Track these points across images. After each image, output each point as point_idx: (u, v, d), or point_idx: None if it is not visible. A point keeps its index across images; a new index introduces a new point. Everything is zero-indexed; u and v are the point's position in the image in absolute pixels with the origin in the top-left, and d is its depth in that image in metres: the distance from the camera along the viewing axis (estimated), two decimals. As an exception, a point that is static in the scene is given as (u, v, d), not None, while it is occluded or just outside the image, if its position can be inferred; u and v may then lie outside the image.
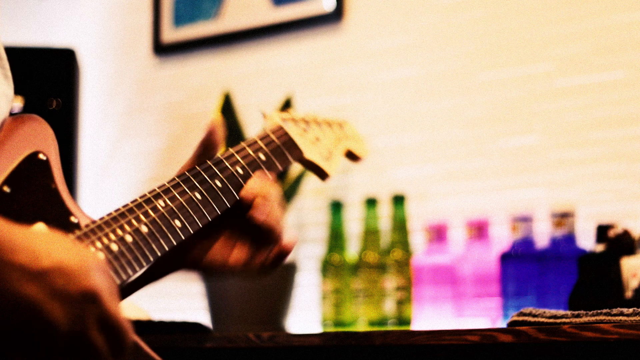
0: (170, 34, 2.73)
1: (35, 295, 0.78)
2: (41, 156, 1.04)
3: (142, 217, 1.03)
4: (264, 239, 1.14)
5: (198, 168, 1.13)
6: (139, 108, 2.79)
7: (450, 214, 2.18)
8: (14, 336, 0.78)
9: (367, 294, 2.13)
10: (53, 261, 0.80)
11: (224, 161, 1.16)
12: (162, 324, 1.82)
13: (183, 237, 1.06)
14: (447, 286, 2.04)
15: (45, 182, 1.03)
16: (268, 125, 1.29)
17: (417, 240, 2.19)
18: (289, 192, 2.26)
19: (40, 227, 0.96)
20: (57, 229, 0.96)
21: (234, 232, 1.16)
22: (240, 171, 1.17)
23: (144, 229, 1.02)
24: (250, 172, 1.18)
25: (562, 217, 1.91)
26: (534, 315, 1.37)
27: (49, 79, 2.36)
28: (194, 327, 1.83)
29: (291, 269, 2.26)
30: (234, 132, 2.28)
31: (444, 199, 2.24)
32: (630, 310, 1.30)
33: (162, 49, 2.74)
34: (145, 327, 1.78)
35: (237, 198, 1.14)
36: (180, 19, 2.71)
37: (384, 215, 2.20)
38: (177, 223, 1.06)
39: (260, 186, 1.14)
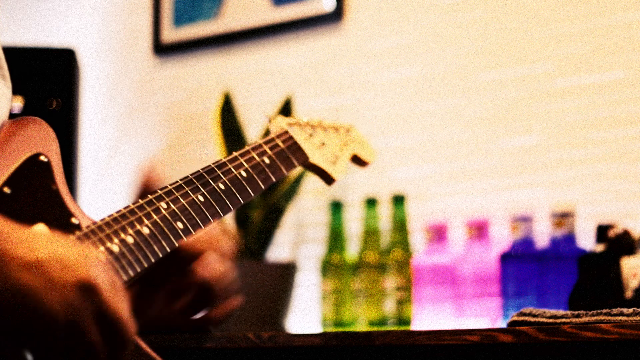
0: (170, 34, 2.72)
1: (31, 284, 0.78)
2: (42, 158, 1.04)
3: (144, 218, 1.03)
4: (202, 295, 1.08)
5: (201, 171, 1.13)
6: (139, 108, 2.79)
7: (450, 214, 2.18)
8: (12, 326, 0.79)
9: (367, 294, 2.13)
10: (50, 252, 0.80)
11: (228, 164, 1.16)
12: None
13: (185, 239, 1.06)
14: (447, 286, 2.04)
15: (46, 184, 1.03)
16: (273, 130, 1.29)
17: (417, 240, 2.19)
18: (289, 192, 2.26)
19: (40, 228, 0.96)
20: (58, 230, 0.96)
21: (176, 282, 1.08)
22: (244, 174, 1.17)
23: (146, 230, 1.02)
24: (255, 176, 1.18)
25: (562, 217, 1.91)
26: (534, 315, 1.36)
27: (49, 79, 2.36)
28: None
29: (291, 269, 2.26)
30: (234, 132, 2.28)
31: (444, 199, 2.24)
32: (630, 310, 1.30)
33: (162, 49, 2.74)
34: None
35: (242, 202, 1.14)
36: (180, 19, 2.71)
37: (384, 215, 2.20)
38: (179, 225, 1.06)
39: (207, 239, 1.07)
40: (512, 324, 1.38)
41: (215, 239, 1.06)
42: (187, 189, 1.09)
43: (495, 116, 2.21)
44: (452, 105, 2.27)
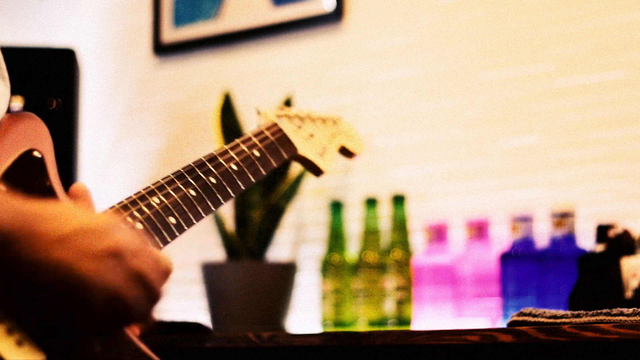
0: (170, 34, 2.72)
1: (63, 258, 0.81)
2: (36, 154, 1.04)
3: (136, 214, 1.02)
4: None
5: (192, 165, 1.13)
6: (139, 108, 2.79)
7: (450, 214, 2.18)
8: (51, 301, 0.81)
9: (367, 294, 2.13)
10: (76, 224, 0.83)
11: (218, 157, 1.16)
12: (162, 324, 1.82)
13: (177, 234, 1.06)
14: (447, 286, 2.04)
15: (40, 180, 1.03)
16: (262, 122, 1.29)
17: (417, 240, 2.19)
18: (289, 192, 2.26)
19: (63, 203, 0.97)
20: None
21: None
22: (235, 167, 1.17)
23: (138, 226, 1.02)
24: (245, 169, 1.18)
25: (562, 217, 1.91)
26: (534, 315, 1.37)
27: (49, 79, 2.36)
28: (194, 327, 1.83)
29: (291, 269, 2.26)
30: (234, 132, 2.28)
31: (444, 199, 2.24)
32: (630, 310, 1.30)
33: (162, 49, 2.74)
34: (145, 327, 1.78)
35: (232, 195, 1.14)
36: (180, 19, 2.71)
37: (384, 215, 2.20)
38: (172, 220, 1.06)
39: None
40: (512, 324, 1.38)
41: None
42: (178, 183, 1.09)
43: (495, 116, 2.21)
44: (452, 105, 2.27)
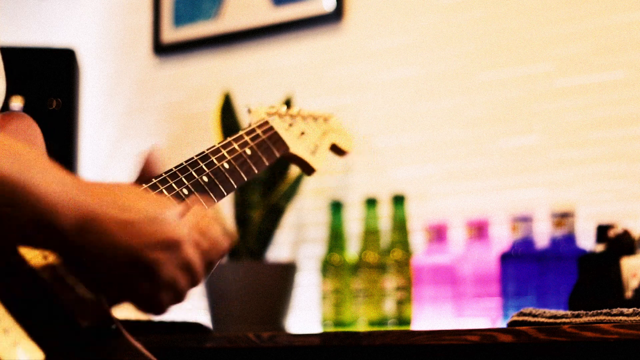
0: (170, 34, 2.73)
1: (129, 244, 0.90)
2: None
3: None
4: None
5: (185, 163, 1.13)
6: (139, 108, 2.79)
7: (450, 214, 2.18)
8: (120, 280, 0.92)
9: (367, 294, 2.13)
10: (140, 211, 0.92)
11: (210, 156, 1.16)
12: (162, 324, 1.82)
13: None
14: (447, 286, 2.04)
15: None
16: (253, 120, 1.29)
17: (417, 240, 2.19)
18: (289, 192, 2.26)
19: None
20: None
21: None
22: (227, 166, 1.17)
23: None
24: (237, 167, 1.18)
25: (562, 217, 1.91)
26: (534, 315, 1.37)
27: (49, 79, 2.36)
28: (194, 327, 1.83)
29: (291, 269, 2.26)
30: (234, 132, 2.25)
31: (444, 199, 2.24)
32: (630, 310, 1.30)
33: (162, 49, 2.74)
34: (145, 327, 1.78)
35: (225, 194, 1.15)
36: (180, 19, 2.71)
37: (384, 215, 2.20)
38: None
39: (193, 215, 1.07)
40: (512, 324, 1.38)
41: (198, 219, 1.04)
42: (170, 182, 1.09)
43: (495, 116, 2.21)
44: (452, 105, 2.27)
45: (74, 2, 2.96)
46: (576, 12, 2.13)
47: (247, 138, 1.23)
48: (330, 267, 2.20)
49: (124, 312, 1.89)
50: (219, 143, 1.19)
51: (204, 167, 1.14)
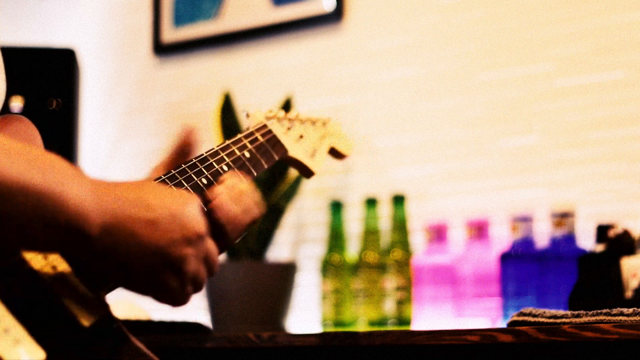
0: (170, 34, 2.73)
1: (157, 243, 0.93)
2: None
3: None
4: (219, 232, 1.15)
5: (184, 165, 1.13)
6: (139, 108, 2.79)
7: (450, 214, 2.18)
8: (148, 278, 0.94)
9: (367, 294, 2.13)
10: (164, 209, 0.94)
11: (209, 159, 1.16)
12: (162, 324, 1.82)
13: None
14: (447, 286, 2.04)
15: None
16: (252, 124, 1.30)
17: (417, 240, 2.19)
18: (289, 192, 2.26)
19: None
20: None
21: None
22: (226, 168, 1.17)
23: None
24: (236, 170, 1.19)
25: (562, 217, 1.91)
26: (534, 315, 1.37)
27: (49, 79, 2.36)
28: (194, 327, 1.83)
29: (291, 269, 2.26)
30: (234, 132, 2.27)
31: (444, 199, 2.24)
32: (630, 310, 1.30)
33: (162, 49, 2.74)
34: (145, 327, 1.78)
35: None
36: (180, 19, 2.71)
37: (384, 215, 2.20)
38: None
39: (229, 184, 1.15)
40: (512, 324, 1.38)
41: (234, 188, 1.14)
42: (169, 184, 1.09)
43: (495, 116, 2.21)
44: (452, 105, 2.27)
45: (74, 2, 2.96)
46: (576, 12, 2.13)
47: (245, 141, 1.24)
48: (330, 267, 2.20)
49: (124, 312, 1.89)
50: (217, 146, 1.20)
51: (202, 169, 1.14)
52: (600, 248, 1.72)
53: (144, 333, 1.48)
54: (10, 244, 0.88)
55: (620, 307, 1.32)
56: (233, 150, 1.21)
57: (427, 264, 2.07)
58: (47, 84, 2.35)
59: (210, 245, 0.99)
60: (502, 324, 1.91)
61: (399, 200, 2.16)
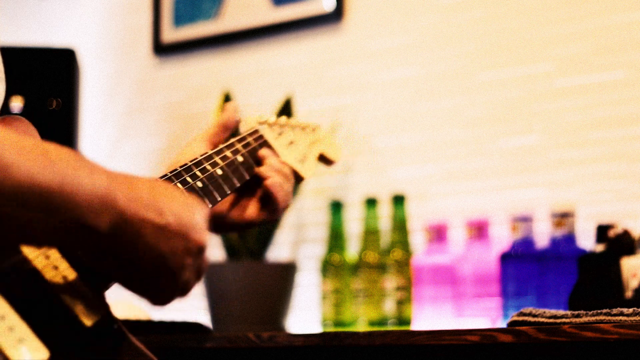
0: (170, 34, 2.73)
1: (162, 250, 0.93)
2: None
3: None
4: (270, 201, 1.29)
5: (179, 168, 1.14)
6: (139, 108, 2.79)
7: (450, 214, 2.18)
8: (143, 278, 0.95)
9: (367, 294, 2.13)
10: (174, 218, 0.95)
11: (204, 162, 1.19)
12: (162, 324, 1.82)
13: None
14: (447, 286, 2.04)
15: None
16: (244, 128, 1.34)
17: (417, 240, 2.19)
18: (289, 192, 2.26)
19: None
20: None
21: (246, 196, 1.30)
22: (220, 172, 1.20)
23: None
24: (230, 174, 1.21)
25: (562, 217, 1.91)
26: (534, 315, 1.37)
27: (49, 79, 2.36)
28: (194, 327, 1.83)
29: (291, 269, 2.26)
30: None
31: (444, 199, 2.24)
32: (630, 310, 1.30)
33: (162, 49, 2.74)
34: (145, 327, 1.78)
35: (219, 199, 1.19)
36: (180, 19, 2.71)
37: (384, 215, 2.20)
38: None
39: (274, 166, 1.30)
40: (512, 324, 1.38)
41: (279, 168, 1.30)
42: None
43: (495, 116, 2.21)
44: (452, 105, 2.27)
45: (74, 2, 2.96)
46: (576, 12, 2.13)
47: (238, 145, 1.28)
48: (330, 267, 2.20)
49: (124, 312, 1.89)
50: (211, 150, 1.22)
51: (197, 172, 1.16)
52: (600, 248, 1.72)
53: (144, 333, 1.48)
54: (17, 237, 0.88)
55: (620, 307, 1.32)
56: (226, 154, 1.23)
57: (427, 264, 2.07)
58: (47, 84, 2.35)
59: (206, 258, 1.00)
60: (502, 324, 1.91)
61: (399, 200, 2.16)
